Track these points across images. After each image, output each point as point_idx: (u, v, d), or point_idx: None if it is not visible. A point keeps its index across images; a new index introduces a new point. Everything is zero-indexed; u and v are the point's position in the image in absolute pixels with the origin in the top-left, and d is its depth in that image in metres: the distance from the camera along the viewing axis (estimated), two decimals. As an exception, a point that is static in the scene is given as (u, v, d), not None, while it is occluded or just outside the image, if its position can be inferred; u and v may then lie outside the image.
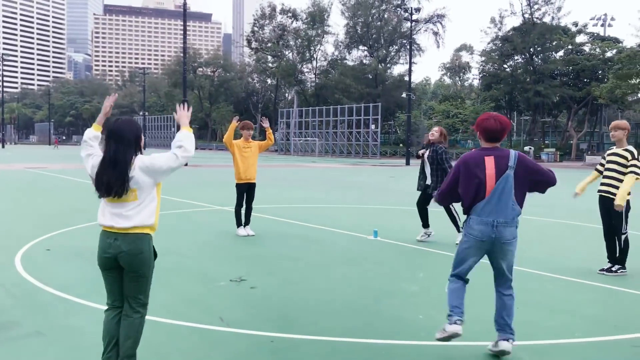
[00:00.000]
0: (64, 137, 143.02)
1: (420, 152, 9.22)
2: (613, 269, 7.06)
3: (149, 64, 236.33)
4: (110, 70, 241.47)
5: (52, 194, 16.32)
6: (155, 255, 3.70)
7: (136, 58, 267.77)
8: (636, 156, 6.85)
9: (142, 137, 3.67)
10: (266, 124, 9.65)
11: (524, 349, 4.47)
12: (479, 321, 4.99)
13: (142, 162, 3.54)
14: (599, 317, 5.41)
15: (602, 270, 7.10)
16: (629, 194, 6.87)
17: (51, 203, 13.82)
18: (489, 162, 4.13)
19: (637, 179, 6.79)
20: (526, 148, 57.15)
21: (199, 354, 4.23)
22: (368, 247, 8.70)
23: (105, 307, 3.74)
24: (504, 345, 4.20)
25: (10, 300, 5.40)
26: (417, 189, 9.34)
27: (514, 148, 64.39)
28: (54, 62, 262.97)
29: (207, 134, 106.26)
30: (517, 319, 5.21)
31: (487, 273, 4.57)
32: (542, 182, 4.28)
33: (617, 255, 7.07)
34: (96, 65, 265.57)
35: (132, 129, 3.59)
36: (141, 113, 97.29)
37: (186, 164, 34.66)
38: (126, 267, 3.55)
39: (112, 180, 3.44)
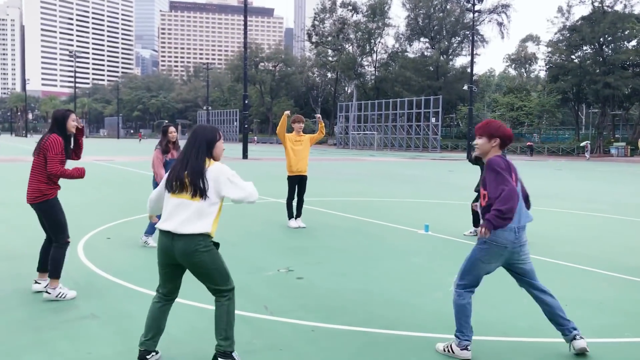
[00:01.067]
0: (132, 131, 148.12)
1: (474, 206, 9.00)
2: None
3: (213, 59, 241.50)
4: (176, 66, 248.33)
5: (117, 185, 17.02)
6: (217, 246, 3.81)
7: (200, 53, 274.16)
8: None
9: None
10: (319, 117, 9.81)
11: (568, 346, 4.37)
12: (524, 317, 4.92)
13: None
14: (653, 317, 5.21)
15: None
16: None
17: (115, 194, 14.43)
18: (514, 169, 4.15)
19: None
20: (583, 143, 54.43)
21: (242, 340, 4.36)
22: (418, 241, 8.67)
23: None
24: (581, 343, 4.13)
25: (70, 284, 5.71)
26: (475, 190, 9.22)
27: (581, 141, 62.11)
28: (122, 58, 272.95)
29: (269, 127, 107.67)
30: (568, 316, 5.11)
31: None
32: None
33: None
34: (162, 60, 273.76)
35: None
36: (205, 107, 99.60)
37: (246, 157, 35.32)
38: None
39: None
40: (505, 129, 4.17)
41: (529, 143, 59.95)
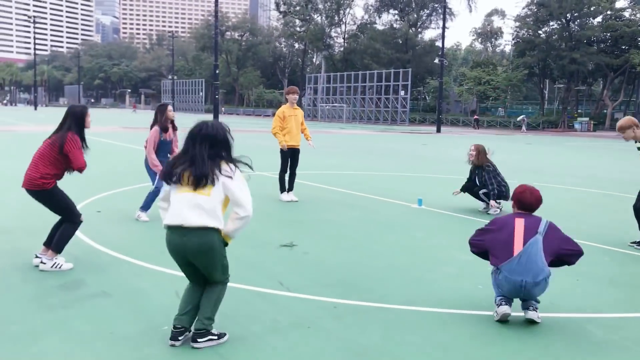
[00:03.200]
0: (92, 100, 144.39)
1: (455, 193, 9.28)
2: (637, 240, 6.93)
3: (177, 27, 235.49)
4: (138, 34, 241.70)
5: (92, 155, 16.49)
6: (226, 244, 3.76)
7: (163, 21, 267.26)
8: None
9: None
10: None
11: (591, 321, 4.42)
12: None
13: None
14: (662, 291, 5.31)
15: (633, 243, 6.95)
16: None
17: (93, 165, 13.97)
18: (519, 223, 4.31)
19: None
20: (519, 117, 56.34)
21: (266, 317, 4.27)
22: (414, 215, 8.66)
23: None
24: (530, 314, 4.31)
25: (71, 259, 5.49)
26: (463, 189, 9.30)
27: (547, 116, 63.30)
28: (82, 24, 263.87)
29: (235, 98, 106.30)
30: (580, 292, 5.16)
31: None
32: (573, 252, 4.33)
33: None
34: (124, 28, 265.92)
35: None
36: (170, 77, 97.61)
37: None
38: None
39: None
40: (519, 194, 4.53)
41: (475, 116, 59.97)
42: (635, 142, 6.87)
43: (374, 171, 14.79)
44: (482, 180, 8.83)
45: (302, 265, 5.72)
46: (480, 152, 8.98)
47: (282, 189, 9.47)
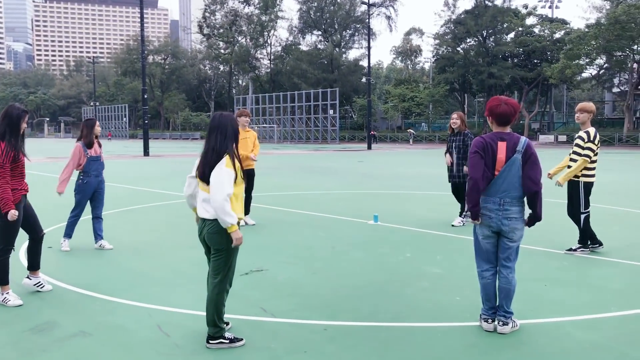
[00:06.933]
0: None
1: (447, 161, 9.35)
2: (573, 247, 7.17)
3: (95, 52, 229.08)
4: (54, 60, 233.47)
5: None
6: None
7: (80, 46, 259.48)
8: (591, 138, 6.84)
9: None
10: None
11: (571, 324, 4.60)
12: (519, 300, 5.11)
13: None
14: (627, 291, 5.61)
15: (570, 250, 7.17)
16: (584, 175, 6.90)
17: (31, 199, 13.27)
18: (501, 147, 4.34)
19: (586, 160, 6.81)
20: (408, 131, 59.57)
21: (260, 345, 4.18)
22: (373, 232, 8.76)
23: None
24: (499, 328, 4.41)
25: (38, 300, 5.20)
26: (449, 181, 9.47)
27: (469, 129, 65.87)
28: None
29: (160, 123, 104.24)
30: (552, 296, 5.38)
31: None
32: (531, 178, 4.29)
33: (579, 234, 7.15)
34: (38, 54, 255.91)
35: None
36: (91, 103, 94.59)
37: (147, 154, 33.97)
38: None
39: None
40: (495, 107, 4.42)
41: (372, 132, 55.39)
42: (580, 130, 7.03)
43: (321, 190, 14.86)
44: (463, 145, 8.96)
45: (279, 290, 5.66)
46: (463, 120, 9.17)
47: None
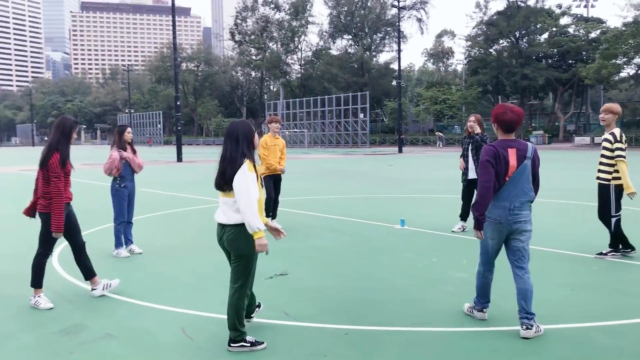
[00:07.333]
0: (45, 138, 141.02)
1: (461, 165, 9.26)
2: (604, 251, 7.04)
3: (129, 60, 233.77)
4: (90, 68, 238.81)
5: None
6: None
7: (115, 55, 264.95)
8: (618, 138, 6.76)
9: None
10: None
11: (597, 329, 4.52)
12: (542, 306, 5.04)
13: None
14: (655, 295, 5.48)
15: (600, 254, 7.04)
16: (614, 178, 6.78)
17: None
18: (512, 153, 4.44)
19: (623, 160, 6.70)
20: (437, 134, 58.69)
21: (281, 348, 4.22)
22: (399, 236, 8.73)
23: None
24: (523, 332, 4.38)
25: (67, 304, 5.34)
26: (462, 182, 9.37)
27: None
28: (32, 62, 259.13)
29: (194, 129, 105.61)
30: (578, 301, 5.28)
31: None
32: (538, 182, 4.60)
33: (609, 238, 7.02)
34: (75, 63, 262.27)
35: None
36: (127, 110, 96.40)
37: (180, 160, 34.48)
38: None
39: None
40: (500, 115, 4.49)
41: (402, 136, 50.50)
42: (605, 132, 6.94)
43: (348, 194, 14.87)
44: (479, 146, 8.83)
45: (302, 294, 5.69)
46: (480, 122, 9.07)
47: (266, 216, 9.42)
